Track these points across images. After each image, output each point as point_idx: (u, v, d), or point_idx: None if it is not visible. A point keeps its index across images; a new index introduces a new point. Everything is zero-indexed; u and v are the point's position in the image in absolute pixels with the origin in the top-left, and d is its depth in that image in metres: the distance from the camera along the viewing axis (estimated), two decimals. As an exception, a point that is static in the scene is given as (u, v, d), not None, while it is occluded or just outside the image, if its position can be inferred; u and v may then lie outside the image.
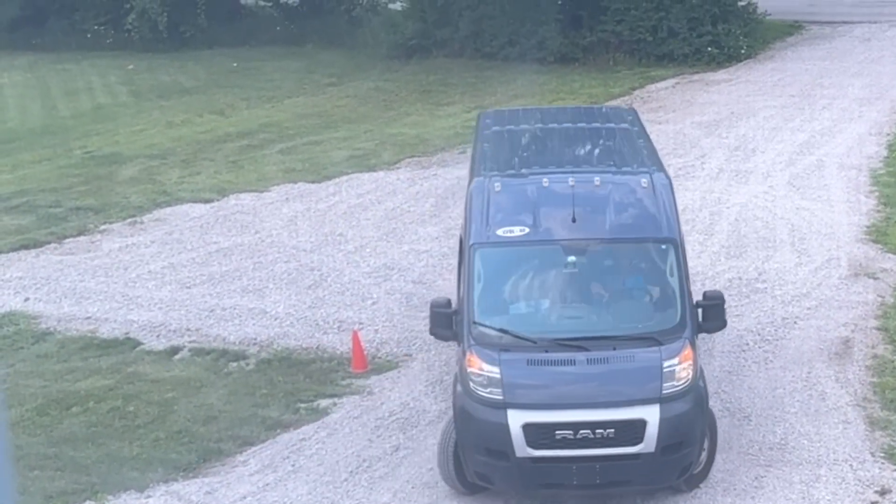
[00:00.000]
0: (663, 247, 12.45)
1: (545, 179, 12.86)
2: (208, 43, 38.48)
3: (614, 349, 11.72)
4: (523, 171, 13.36)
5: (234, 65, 35.96)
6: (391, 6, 38.99)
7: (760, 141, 24.79)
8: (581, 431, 11.45)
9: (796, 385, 14.63)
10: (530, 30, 33.26)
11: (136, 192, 23.19)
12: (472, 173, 13.64)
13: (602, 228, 12.41)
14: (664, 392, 11.57)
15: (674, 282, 12.27)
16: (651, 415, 11.48)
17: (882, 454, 13.13)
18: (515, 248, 12.33)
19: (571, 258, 12.26)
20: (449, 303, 12.36)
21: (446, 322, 12.23)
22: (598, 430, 11.44)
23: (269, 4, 41.80)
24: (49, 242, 20.51)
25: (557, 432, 11.46)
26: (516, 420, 11.50)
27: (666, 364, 11.62)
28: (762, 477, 12.72)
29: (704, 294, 12.62)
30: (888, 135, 24.94)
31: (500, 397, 11.57)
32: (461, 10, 34.45)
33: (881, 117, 26.29)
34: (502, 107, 25.18)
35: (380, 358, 15.82)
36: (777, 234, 19.51)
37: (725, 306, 12.54)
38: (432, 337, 12.75)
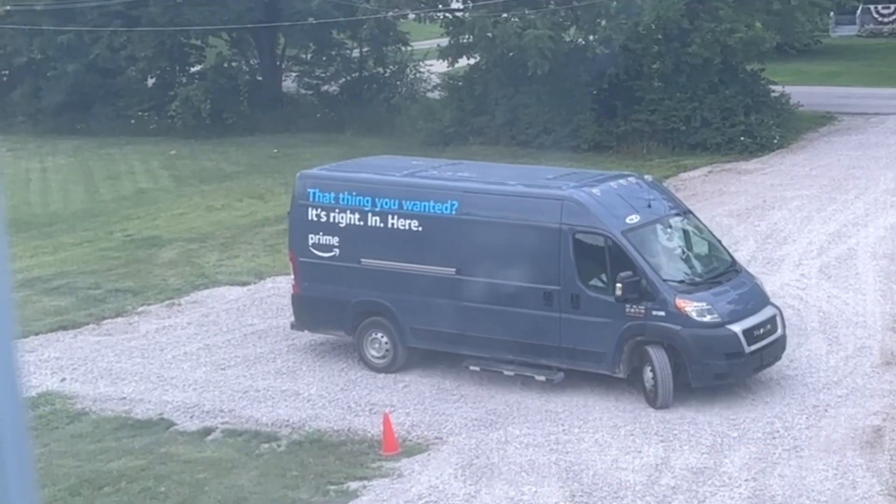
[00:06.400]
0: (692, 215, 18.26)
1: (612, 184, 17.62)
2: (250, 129, 39.19)
3: (730, 279, 17.17)
4: (593, 182, 17.73)
5: (275, 151, 36.54)
6: (429, 95, 39.61)
7: (792, 230, 24.89)
8: (762, 328, 16.74)
9: (827, 473, 14.55)
10: (565, 118, 33.70)
11: (174, 274, 23.53)
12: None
13: (667, 207, 17.83)
14: (768, 297, 17.58)
15: (710, 236, 18.16)
16: (776, 311, 17.24)
17: (912, 544, 13.02)
18: (641, 229, 17.01)
19: (669, 229, 17.54)
20: (633, 273, 16.28)
21: (635, 287, 16.27)
22: (766, 326, 16.84)
23: (311, 93, 42.63)
24: (87, 323, 20.82)
25: (754, 332, 16.59)
26: (738, 329, 16.40)
27: (756, 281, 17.78)
28: (791, 565, 12.64)
29: None
30: (921, 224, 24.99)
31: (719, 319, 16.41)
32: (497, 99, 35.01)
33: (913, 207, 26.34)
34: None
35: (410, 440, 15.88)
36: (808, 321, 19.55)
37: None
38: (621, 303, 16.35)
